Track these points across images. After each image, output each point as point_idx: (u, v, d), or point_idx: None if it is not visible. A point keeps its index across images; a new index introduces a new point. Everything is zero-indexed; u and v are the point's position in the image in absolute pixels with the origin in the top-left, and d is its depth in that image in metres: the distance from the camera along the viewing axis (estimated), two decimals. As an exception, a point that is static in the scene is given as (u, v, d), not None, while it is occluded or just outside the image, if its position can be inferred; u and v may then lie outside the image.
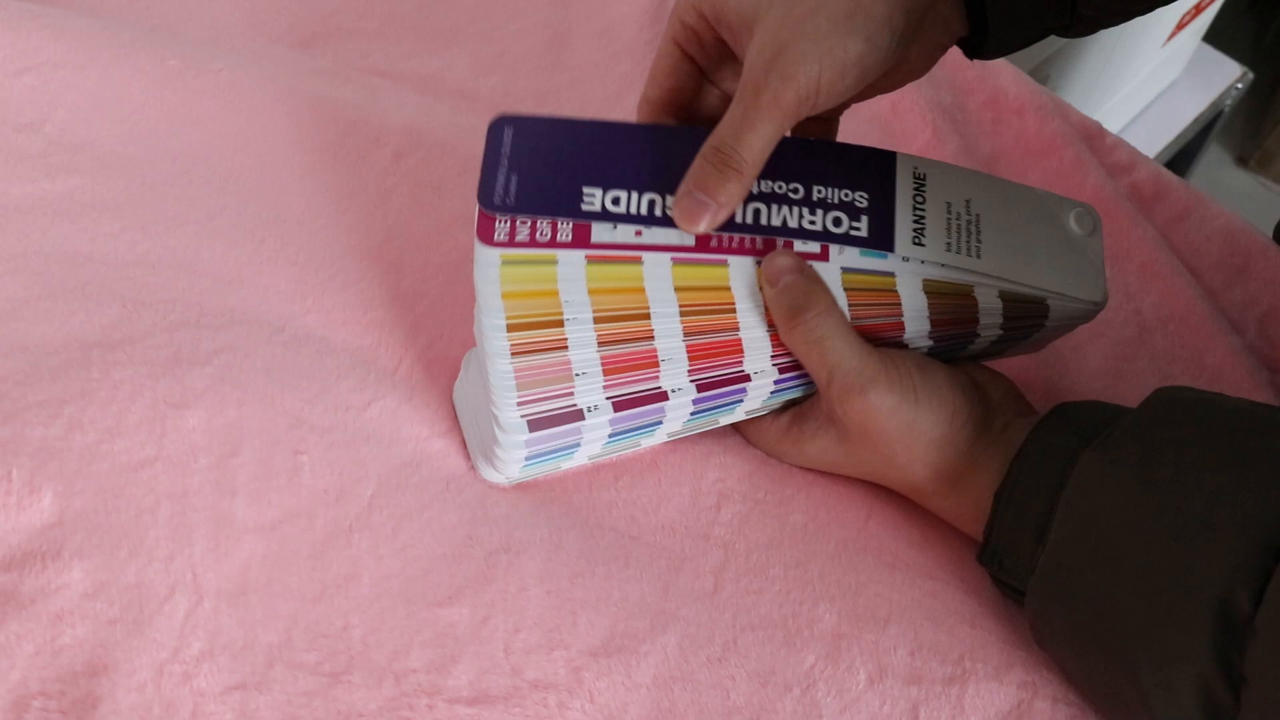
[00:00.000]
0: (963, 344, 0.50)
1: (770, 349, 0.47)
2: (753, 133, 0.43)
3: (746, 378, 0.47)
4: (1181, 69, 1.47)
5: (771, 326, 0.46)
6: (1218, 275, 0.66)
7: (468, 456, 0.49)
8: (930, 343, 0.49)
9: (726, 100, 0.48)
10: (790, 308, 0.45)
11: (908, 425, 0.46)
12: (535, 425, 0.45)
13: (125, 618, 0.40)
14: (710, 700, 0.44)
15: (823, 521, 0.50)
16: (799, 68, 0.42)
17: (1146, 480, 0.41)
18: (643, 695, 0.43)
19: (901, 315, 0.47)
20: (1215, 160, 1.82)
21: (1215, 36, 1.47)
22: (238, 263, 0.52)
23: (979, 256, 0.47)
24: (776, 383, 0.48)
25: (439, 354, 0.52)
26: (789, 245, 0.46)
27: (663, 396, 0.46)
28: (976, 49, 0.48)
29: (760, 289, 0.46)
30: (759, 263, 0.46)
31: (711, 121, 0.45)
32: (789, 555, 0.49)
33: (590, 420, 0.45)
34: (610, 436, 0.47)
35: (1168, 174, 0.72)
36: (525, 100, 0.67)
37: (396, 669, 0.42)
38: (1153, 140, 1.43)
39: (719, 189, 0.44)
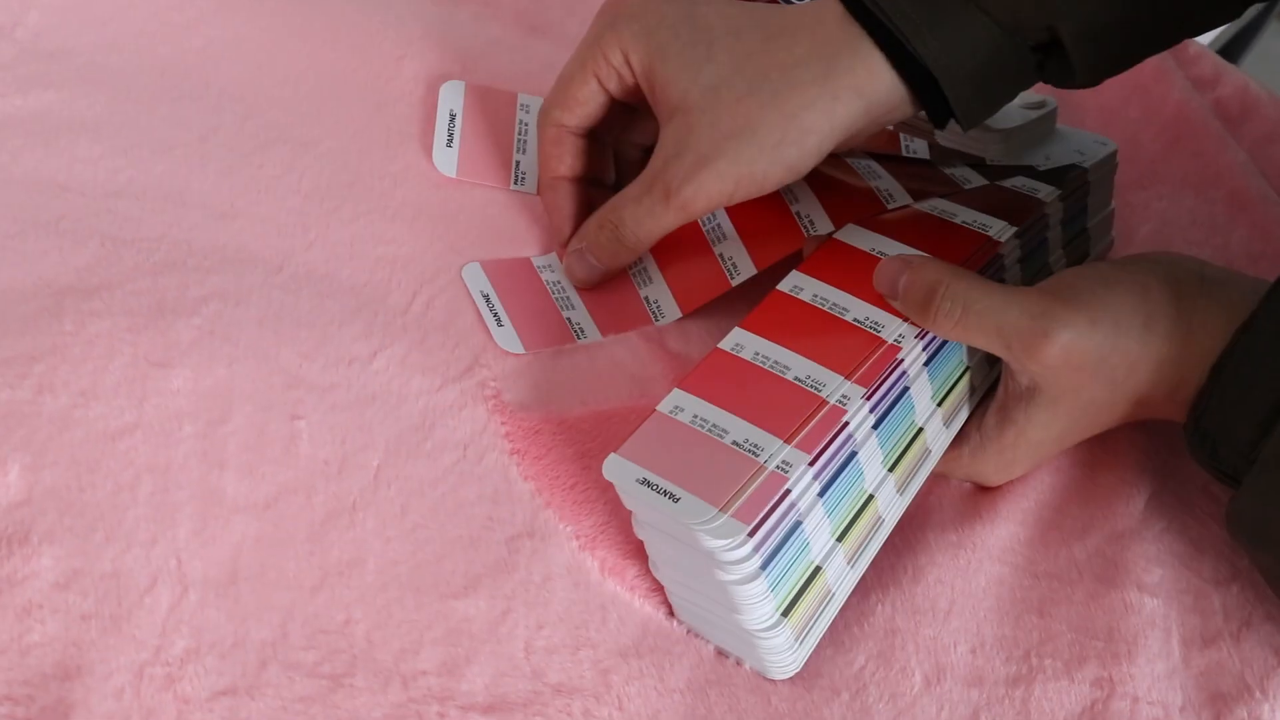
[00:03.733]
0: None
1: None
2: (656, 225, 0.47)
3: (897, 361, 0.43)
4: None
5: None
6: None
7: (489, 408, 0.45)
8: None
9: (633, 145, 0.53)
10: (920, 304, 0.43)
11: (1111, 328, 0.42)
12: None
13: (101, 612, 0.36)
14: (749, 706, 0.40)
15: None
16: (715, 185, 0.45)
17: None
18: (676, 701, 0.40)
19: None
20: (1274, 33, 1.73)
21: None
22: (232, 191, 0.47)
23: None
24: (928, 353, 0.45)
25: (460, 287, 0.48)
26: None
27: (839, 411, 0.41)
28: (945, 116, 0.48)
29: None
30: None
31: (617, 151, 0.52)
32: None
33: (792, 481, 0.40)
34: (820, 494, 0.41)
35: (1256, 87, 0.66)
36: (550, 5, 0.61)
37: (404, 670, 0.38)
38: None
39: (612, 260, 0.48)
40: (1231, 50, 1.37)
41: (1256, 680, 0.43)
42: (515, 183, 0.51)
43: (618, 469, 0.40)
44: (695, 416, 0.41)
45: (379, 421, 0.42)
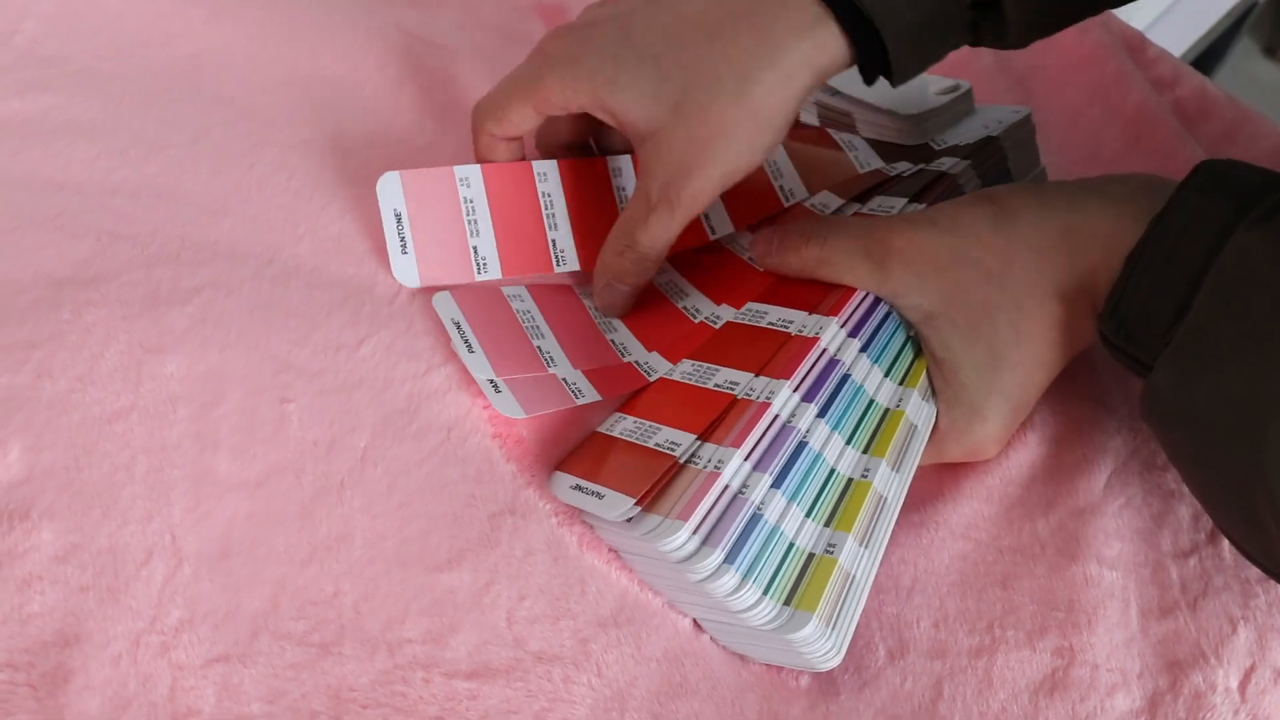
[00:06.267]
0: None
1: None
2: (667, 233, 0.48)
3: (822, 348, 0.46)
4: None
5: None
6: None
7: (472, 393, 0.46)
8: None
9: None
10: (794, 246, 0.49)
11: (950, 222, 0.47)
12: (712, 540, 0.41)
13: (99, 584, 0.37)
14: (723, 675, 0.41)
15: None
16: (708, 185, 0.47)
17: None
18: (652, 669, 0.41)
19: None
20: (1244, 52, 1.74)
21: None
22: (224, 190, 0.48)
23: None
24: (861, 339, 0.47)
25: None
26: None
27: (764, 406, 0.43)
28: (875, 74, 0.49)
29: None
30: None
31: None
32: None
33: (728, 476, 0.42)
34: (776, 484, 0.43)
35: (1213, 89, 0.67)
36: (528, 15, 0.62)
37: (390, 639, 0.39)
38: (1184, 35, 1.38)
39: (640, 278, 0.49)
40: (1202, 66, 1.39)
41: (1212, 648, 0.44)
42: (479, 273, 0.49)
43: (558, 481, 0.43)
44: (626, 429, 0.45)
45: (366, 405, 0.43)
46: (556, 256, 0.50)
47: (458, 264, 0.48)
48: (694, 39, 0.46)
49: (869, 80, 0.49)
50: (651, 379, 0.48)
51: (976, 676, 0.43)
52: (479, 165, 0.49)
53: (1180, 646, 0.44)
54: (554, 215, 0.50)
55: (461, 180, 0.49)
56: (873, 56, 0.47)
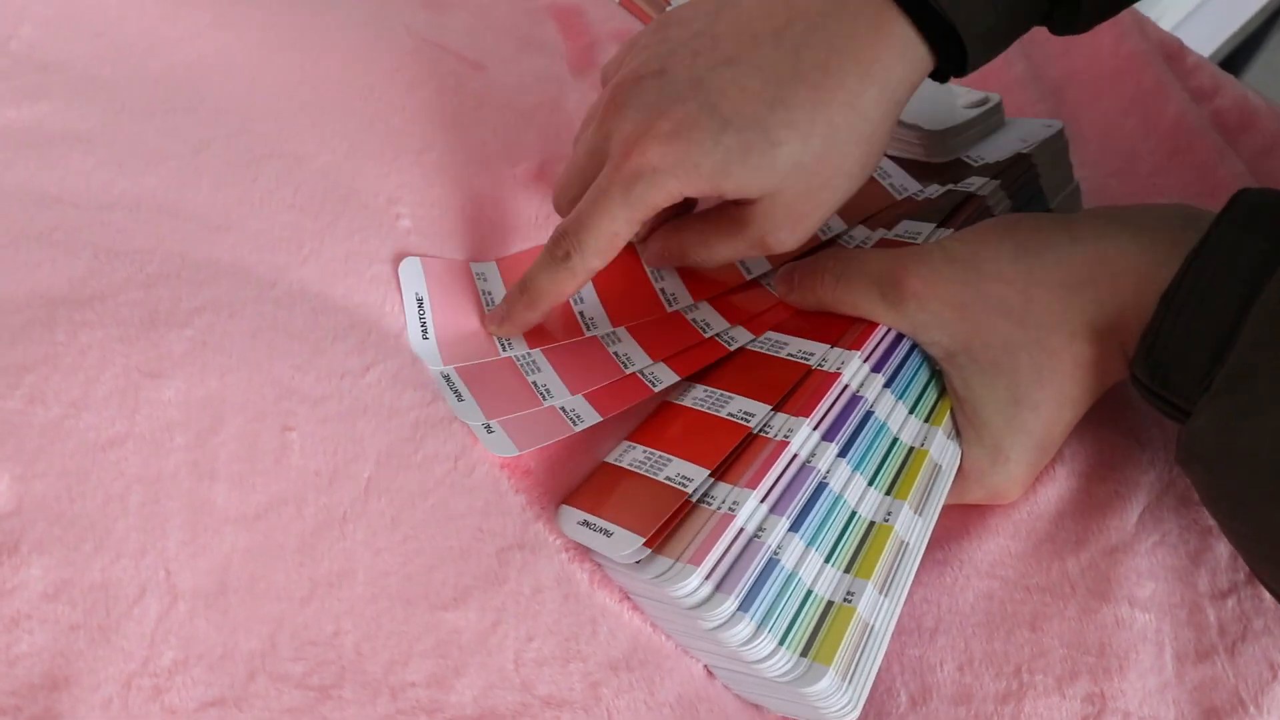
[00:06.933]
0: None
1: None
2: (735, 257, 0.48)
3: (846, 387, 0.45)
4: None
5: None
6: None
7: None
8: None
9: None
10: (811, 281, 0.48)
11: (969, 260, 0.45)
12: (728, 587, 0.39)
13: (89, 623, 0.36)
14: (741, 721, 0.39)
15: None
16: (810, 228, 0.46)
17: None
18: (665, 715, 0.39)
19: None
20: (1276, 49, 1.72)
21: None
22: (226, 205, 0.47)
23: None
24: (885, 374, 0.46)
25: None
26: None
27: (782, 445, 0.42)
28: (947, 75, 0.48)
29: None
30: None
31: None
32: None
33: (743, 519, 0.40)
34: (794, 528, 0.41)
35: (1255, 99, 0.65)
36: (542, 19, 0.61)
37: (393, 682, 0.37)
38: (1215, 34, 1.35)
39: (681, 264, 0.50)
40: (1234, 62, 1.36)
41: (1251, 695, 0.42)
42: (504, 350, 0.47)
43: (565, 516, 0.42)
44: (635, 460, 0.43)
45: (370, 433, 0.42)
46: (586, 324, 0.48)
47: (482, 346, 0.46)
48: (795, 91, 0.43)
49: (941, 80, 0.48)
50: (657, 389, 0.46)
51: (1004, 723, 0.41)
52: (494, 262, 0.48)
53: (1217, 693, 0.42)
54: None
55: (478, 275, 0.48)
56: (949, 60, 0.45)
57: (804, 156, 0.43)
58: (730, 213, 0.46)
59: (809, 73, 0.43)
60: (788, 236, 0.45)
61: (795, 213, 0.45)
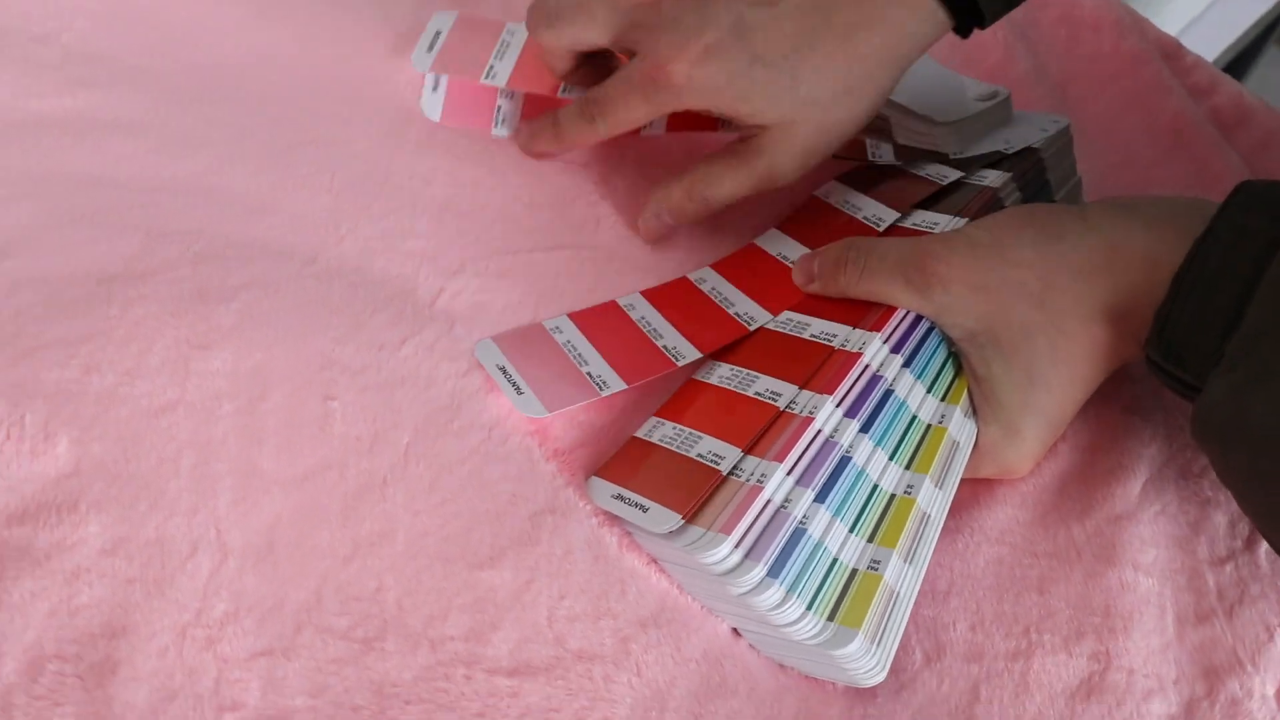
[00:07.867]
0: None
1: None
2: (740, 191, 0.52)
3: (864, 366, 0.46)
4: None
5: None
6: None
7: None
8: None
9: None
10: (833, 269, 0.49)
11: (992, 243, 0.47)
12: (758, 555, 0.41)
13: (145, 576, 0.38)
14: (762, 677, 0.41)
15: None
16: (812, 163, 0.51)
17: None
18: (692, 670, 0.41)
19: None
20: (1272, 60, 1.73)
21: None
22: (267, 188, 0.49)
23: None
24: (904, 354, 0.47)
25: (485, 279, 0.50)
26: None
27: (807, 421, 0.44)
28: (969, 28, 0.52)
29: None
30: None
31: None
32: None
33: (770, 490, 0.42)
34: (820, 499, 0.43)
35: (1250, 97, 0.67)
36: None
37: (433, 635, 0.39)
38: (1214, 43, 1.37)
39: (687, 218, 0.53)
40: (1230, 73, 1.38)
41: (1248, 655, 0.44)
42: (601, 390, 0.46)
43: (597, 488, 0.43)
44: (665, 436, 0.44)
45: (408, 403, 0.44)
46: (672, 355, 0.48)
47: (579, 390, 0.46)
48: (824, 40, 0.48)
49: (964, 32, 0.52)
50: (680, 364, 0.48)
51: (1013, 680, 0.43)
52: (567, 316, 0.50)
53: (1216, 653, 0.44)
54: (655, 329, 0.50)
55: (553, 329, 0.49)
56: (969, 15, 0.51)
57: (821, 94, 0.49)
58: (737, 148, 0.51)
59: (839, 27, 0.48)
60: (793, 169, 0.51)
61: (805, 145, 0.50)
